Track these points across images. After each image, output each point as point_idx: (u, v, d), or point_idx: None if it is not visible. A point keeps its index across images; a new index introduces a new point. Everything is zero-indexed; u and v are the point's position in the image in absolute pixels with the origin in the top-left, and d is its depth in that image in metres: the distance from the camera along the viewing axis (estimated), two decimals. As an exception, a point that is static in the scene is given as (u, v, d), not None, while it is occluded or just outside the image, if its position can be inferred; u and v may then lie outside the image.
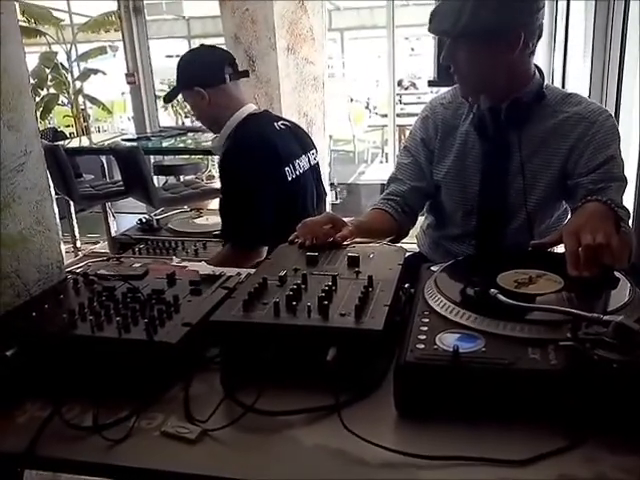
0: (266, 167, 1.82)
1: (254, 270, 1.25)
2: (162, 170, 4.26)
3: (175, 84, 1.93)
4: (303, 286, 1.05)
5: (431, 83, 2.99)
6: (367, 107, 10.42)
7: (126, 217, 4.67)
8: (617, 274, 1.07)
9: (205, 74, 1.86)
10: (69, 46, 7.26)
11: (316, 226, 1.31)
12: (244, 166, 1.79)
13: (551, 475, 0.75)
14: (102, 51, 7.25)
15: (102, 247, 4.08)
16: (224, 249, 1.87)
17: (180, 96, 1.99)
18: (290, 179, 1.90)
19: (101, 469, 0.81)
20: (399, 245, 1.35)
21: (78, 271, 1.19)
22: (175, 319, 1.02)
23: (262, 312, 0.98)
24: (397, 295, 1.07)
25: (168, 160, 4.40)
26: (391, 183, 1.65)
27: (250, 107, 1.94)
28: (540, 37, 1.39)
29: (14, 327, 1.01)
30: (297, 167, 1.93)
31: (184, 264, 1.35)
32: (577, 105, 1.44)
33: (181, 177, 4.46)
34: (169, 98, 2.06)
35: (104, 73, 7.28)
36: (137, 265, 1.33)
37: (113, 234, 3.59)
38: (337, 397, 0.86)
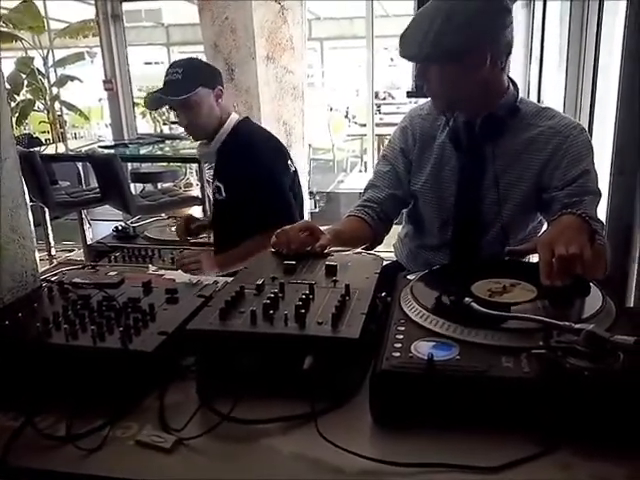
0: (281, 157, 2.02)
1: (231, 279, 1.25)
2: (139, 177, 4.23)
3: (183, 82, 1.91)
4: (280, 295, 1.06)
5: (409, 94, 3.03)
6: (346, 116, 10.47)
7: (102, 225, 4.61)
8: (590, 283, 1.09)
9: (220, 77, 2.03)
10: (46, 51, 7.18)
11: (293, 233, 1.31)
12: (264, 156, 1.96)
13: (524, 481, 0.76)
14: (80, 57, 7.18)
15: (77, 255, 4.03)
16: (256, 238, 1.87)
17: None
18: (293, 170, 2.08)
19: (75, 479, 0.80)
20: (376, 254, 1.36)
21: (53, 279, 1.18)
22: (151, 328, 1.01)
23: (239, 320, 0.98)
24: (374, 304, 1.08)
25: (145, 167, 4.37)
26: (368, 190, 1.66)
27: (233, 114, 2.06)
28: (510, 53, 1.41)
29: (-15, 336, 0.99)
30: (293, 162, 2.10)
31: (161, 272, 1.35)
32: (551, 119, 1.47)
33: (159, 185, 4.43)
34: (182, 92, 1.92)
35: (81, 80, 7.21)
36: (113, 273, 1.32)
37: (89, 242, 3.55)
38: (313, 405, 0.86)
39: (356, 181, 7.44)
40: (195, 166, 5.01)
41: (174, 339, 0.99)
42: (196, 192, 4.36)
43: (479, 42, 1.35)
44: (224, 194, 2.01)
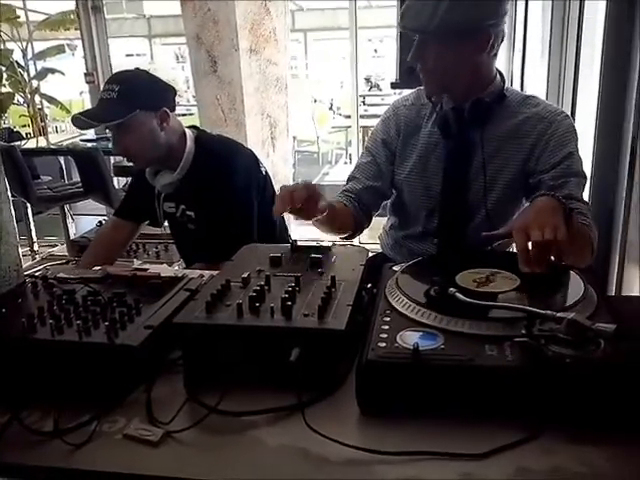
0: (254, 174, 1.86)
1: (217, 272, 1.25)
2: (122, 171, 4.17)
3: (117, 103, 1.66)
4: (266, 287, 1.06)
5: (393, 85, 3.04)
6: (331, 108, 10.47)
7: (85, 219, 4.57)
8: (571, 272, 1.11)
9: (169, 97, 1.79)
10: (25, 44, 7.07)
11: (295, 189, 1.25)
12: (247, 173, 1.82)
13: (509, 467, 0.77)
14: (60, 50, 7.08)
15: (60, 250, 4.00)
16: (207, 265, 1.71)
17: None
18: (264, 174, 1.94)
19: (63, 474, 0.80)
20: (362, 246, 1.36)
21: (37, 274, 1.17)
22: (137, 322, 1.01)
23: (225, 314, 0.98)
24: (360, 295, 1.08)
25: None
26: (349, 181, 1.67)
27: (187, 131, 1.85)
28: (502, 40, 1.43)
29: (-30, 332, 0.99)
30: (262, 164, 1.97)
31: (145, 266, 1.34)
32: (536, 106, 1.50)
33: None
34: (114, 115, 1.66)
35: (62, 73, 7.12)
36: (97, 268, 1.31)
37: (72, 237, 3.51)
38: (300, 396, 0.86)
39: (341, 173, 7.45)
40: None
41: (160, 333, 0.99)
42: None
43: (485, 24, 1.36)
44: (197, 223, 1.87)
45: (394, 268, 1.22)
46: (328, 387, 0.94)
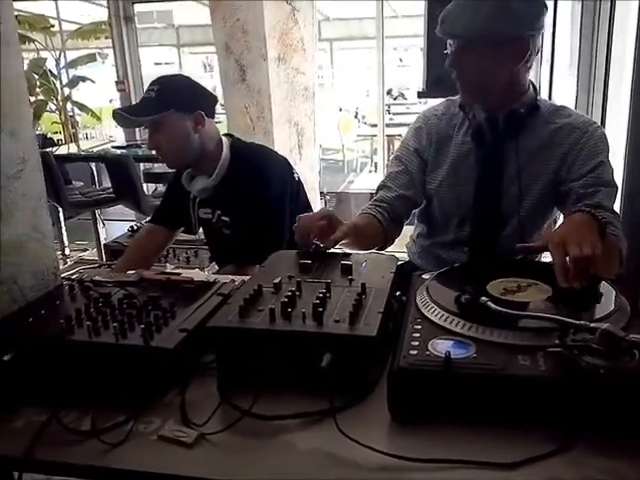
0: (288, 181, 1.88)
1: (248, 277, 1.27)
2: (151, 177, 4.26)
3: (154, 102, 1.72)
4: (297, 293, 1.07)
5: (420, 94, 3.04)
6: (356, 117, 10.49)
7: (115, 224, 4.65)
8: (604, 283, 1.10)
9: (207, 101, 1.83)
10: (58, 53, 7.24)
11: (311, 221, 1.32)
12: (281, 179, 1.85)
13: (539, 478, 0.77)
14: (91, 58, 7.23)
15: (91, 254, 4.07)
16: (237, 267, 1.80)
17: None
18: (297, 180, 1.96)
19: (99, 472, 0.82)
20: (391, 254, 1.37)
21: (73, 277, 1.20)
22: (171, 325, 1.03)
23: (257, 318, 0.99)
24: (390, 303, 1.09)
25: (158, 168, 4.39)
26: (379, 190, 1.68)
27: (223, 139, 1.88)
28: (538, 53, 1.44)
29: (11, 332, 1.02)
30: (296, 171, 2.00)
31: (178, 271, 1.37)
32: (568, 117, 1.51)
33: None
34: (149, 112, 1.72)
35: (93, 81, 7.26)
36: (131, 272, 1.34)
37: (103, 241, 3.57)
38: (332, 402, 0.87)
39: (366, 181, 7.43)
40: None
41: (194, 336, 1.01)
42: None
43: (523, 34, 1.37)
44: (232, 228, 1.89)
45: (423, 276, 1.23)
46: (359, 393, 0.94)
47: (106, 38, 5.76)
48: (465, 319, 0.97)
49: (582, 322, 0.89)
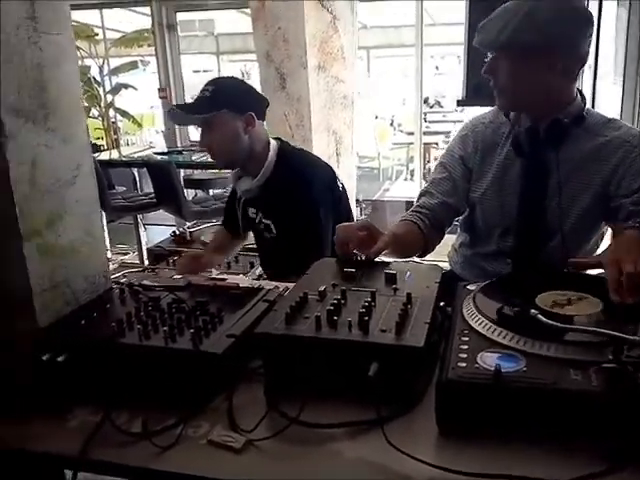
0: (333, 183, 1.91)
1: (293, 284, 1.28)
2: (192, 183, 4.33)
3: (207, 101, 1.76)
4: (342, 301, 1.07)
5: (460, 102, 3.02)
6: (391, 124, 10.47)
7: (153, 228, 4.74)
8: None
9: (258, 103, 1.88)
10: (102, 60, 7.43)
11: (351, 232, 1.33)
12: (324, 187, 1.87)
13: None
14: (133, 66, 7.40)
15: (131, 258, 4.15)
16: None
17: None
18: (341, 188, 1.98)
19: (151, 475, 0.84)
20: (435, 263, 1.36)
21: (123, 281, 1.23)
22: (219, 330, 1.04)
23: (304, 326, 1.00)
24: (435, 313, 1.08)
25: (198, 174, 4.47)
26: (422, 197, 1.67)
27: (272, 141, 1.92)
28: (584, 64, 1.42)
29: (64, 334, 1.04)
30: (340, 180, 2.01)
31: (224, 276, 1.38)
32: (618, 130, 1.47)
33: (210, 191, 4.53)
34: (202, 110, 1.76)
35: (135, 88, 7.43)
36: (178, 277, 1.36)
37: (144, 245, 3.64)
38: (380, 412, 0.87)
39: (402, 189, 7.42)
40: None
41: (241, 342, 1.02)
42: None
43: (554, 45, 1.36)
44: (274, 232, 1.91)
45: (469, 287, 1.22)
46: (406, 404, 0.94)
47: (149, 46, 5.89)
48: (514, 332, 0.96)
49: (637, 337, 0.87)
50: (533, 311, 0.98)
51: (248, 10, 6.33)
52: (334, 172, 1.99)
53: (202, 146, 1.88)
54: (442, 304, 1.16)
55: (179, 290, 1.19)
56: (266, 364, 1.00)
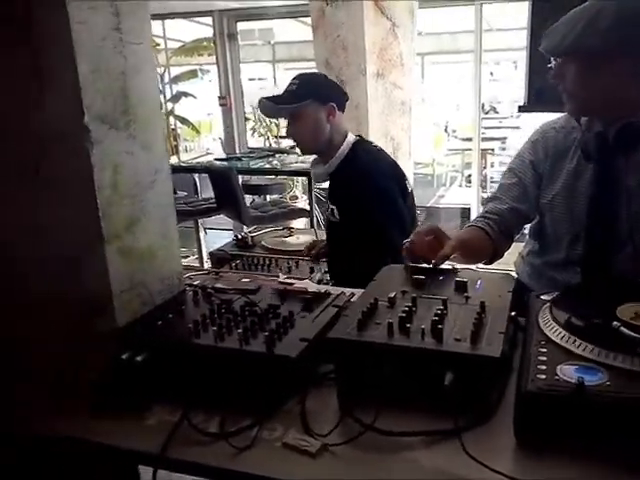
0: (397, 180, 1.99)
1: (358, 290, 1.28)
2: (250, 189, 4.40)
3: (294, 93, 1.94)
4: (414, 309, 1.07)
5: (521, 108, 2.95)
6: (446, 130, 10.37)
7: (213, 233, 4.84)
8: None
9: (339, 96, 2.03)
10: (163, 69, 7.65)
11: (418, 238, 1.33)
12: (388, 183, 1.95)
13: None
14: (193, 74, 7.59)
15: (191, 261, 4.24)
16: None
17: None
18: (409, 191, 2.06)
19: (228, 475, 0.85)
20: (506, 272, 1.33)
21: (195, 283, 1.25)
22: (291, 334, 1.05)
23: (376, 332, 1.00)
24: (509, 323, 1.06)
25: (255, 179, 4.54)
26: (490, 202, 1.64)
27: (350, 134, 2.04)
28: None
29: (142, 334, 1.08)
30: (409, 183, 2.09)
31: (290, 281, 1.39)
32: None
33: (267, 197, 4.59)
34: (290, 101, 1.93)
35: (194, 96, 7.61)
36: (246, 280, 1.38)
37: (204, 248, 3.71)
38: (457, 422, 0.86)
39: (457, 196, 7.33)
40: (302, 179, 5.15)
41: (313, 346, 1.02)
42: (302, 204, 4.47)
43: (620, 48, 1.32)
44: (337, 217, 2.01)
45: (542, 297, 1.19)
46: (482, 414, 0.92)
47: (209, 55, 6.03)
48: (595, 344, 0.93)
49: None
50: (615, 323, 0.95)
51: (305, 19, 6.42)
52: (404, 173, 2.07)
53: (288, 135, 2.06)
54: (513, 314, 1.13)
55: (250, 293, 1.20)
56: (338, 369, 1.00)
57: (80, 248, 1.05)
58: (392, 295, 1.12)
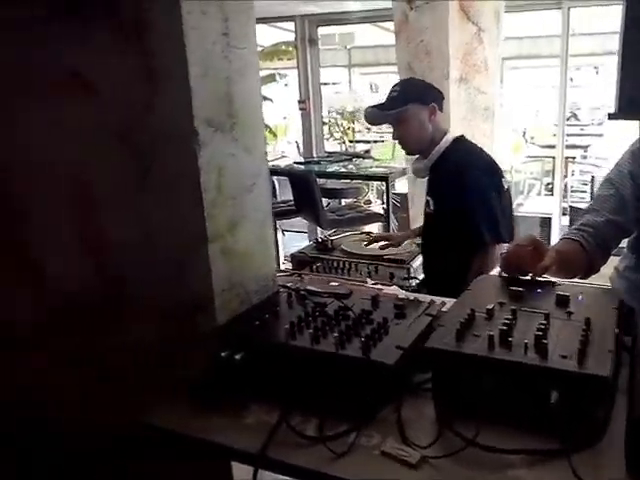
0: (493, 176, 2.06)
1: (450, 300, 1.26)
2: (326, 193, 4.42)
3: (397, 99, 2.05)
4: (514, 322, 1.03)
5: (611, 116, 2.81)
6: (524, 136, 10.08)
7: (289, 235, 4.90)
8: None
9: (438, 96, 2.13)
10: (242, 73, 7.81)
11: (518, 248, 1.30)
12: (482, 177, 2.02)
13: None
14: (272, 79, 7.69)
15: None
16: (484, 250, 2.00)
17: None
18: (506, 188, 2.11)
19: (325, 479, 0.85)
20: (609, 287, 1.28)
21: (288, 285, 1.26)
22: (385, 341, 1.04)
23: (475, 344, 0.97)
24: (617, 341, 1.01)
25: (331, 183, 4.56)
26: (586, 214, 1.57)
27: (450, 132, 2.14)
28: None
29: (241, 333, 1.10)
30: (506, 180, 2.15)
31: (379, 286, 1.39)
32: None
33: (342, 200, 4.60)
34: (394, 107, 2.05)
35: (271, 100, 7.72)
36: (335, 284, 1.39)
37: (281, 250, 3.76)
38: (565, 442, 0.83)
39: (536, 204, 7.08)
40: (377, 184, 5.13)
41: (409, 354, 1.01)
42: (376, 209, 4.45)
43: None
44: (432, 207, 2.10)
45: (652, 316, 1.13)
46: (591, 436, 0.88)
47: (288, 59, 6.11)
48: None
49: None
50: None
51: (383, 24, 6.39)
52: (501, 172, 2.12)
53: (394, 139, 2.17)
54: (616, 331, 1.08)
55: (343, 297, 1.20)
56: (436, 380, 0.98)
57: (186, 247, 1.09)
58: (490, 307, 1.09)
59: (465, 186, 1.99)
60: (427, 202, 2.14)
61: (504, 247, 1.96)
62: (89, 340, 1.21)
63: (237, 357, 1.03)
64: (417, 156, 2.20)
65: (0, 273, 1.29)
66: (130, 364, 1.15)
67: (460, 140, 2.14)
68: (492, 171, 2.08)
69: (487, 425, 0.88)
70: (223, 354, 1.03)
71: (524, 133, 10.08)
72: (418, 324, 1.12)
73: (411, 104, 2.04)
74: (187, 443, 0.98)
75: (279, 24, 6.85)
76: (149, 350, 1.13)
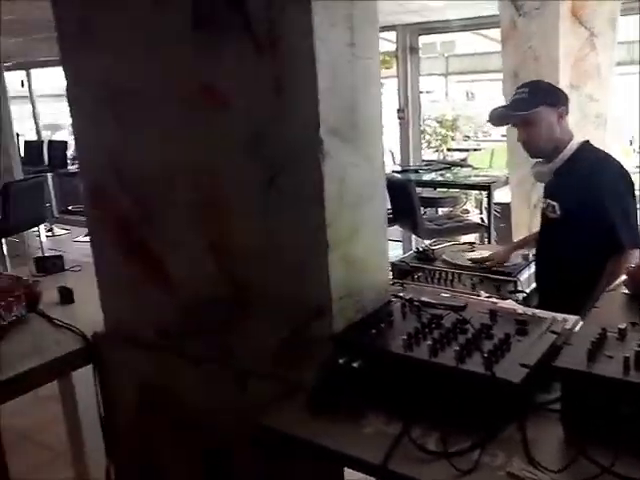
0: (625, 183, 2.01)
1: (571, 317, 1.20)
2: (422, 201, 4.36)
3: (526, 100, 2.00)
4: (647, 344, 0.97)
5: None
6: (631, 144, 9.52)
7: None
8: None
9: (565, 100, 2.07)
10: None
11: None
12: (619, 181, 1.98)
13: None
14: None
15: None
16: (620, 254, 1.92)
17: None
18: (638, 197, 2.08)
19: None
20: None
21: (401, 294, 1.25)
22: (507, 357, 1.01)
23: (608, 365, 0.92)
24: None
25: (427, 192, 4.50)
26: None
27: (576, 137, 2.07)
28: None
29: (358, 341, 1.10)
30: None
31: (493, 299, 1.35)
32: None
33: (439, 210, 4.52)
34: (524, 108, 2.00)
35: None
36: (446, 295, 1.36)
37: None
38: None
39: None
40: (474, 193, 5.00)
41: (534, 373, 0.97)
42: (475, 218, 4.35)
43: None
44: (558, 212, 2.03)
45: None
46: None
47: (387, 68, 6.09)
48: None
49: None
50: None
51: (486, 31, 6.23)
52: (631, 179, 2.05)
53: (519, 141, 2.10)
54: None
55: (459, 310, 1.18)
56: (566, 401, 0.94)
57: (307, 254, 1.10)
58: (622, 326, 1.03)
59: (603, 189, 1.93)
60: (548, 207, 2.07)
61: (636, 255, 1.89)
62: (214, 341, 1.26)
63: (354, 365, 1.03)
64: (538, 160, 2.14)
65: (145, 278, 1.37)
66: (251, 366, 1.19)
67: (587, 145, 2.09)
68: (627, 176, 2.03)
69: (623, 452, 0.83)
70: (341, 361, 1.04)
71: (631, 141, 9.51)
72: (542, 342, 1.07)
73: (541, 107, 1.98)
74: (308, 448, 0.98)
75: (380, 34, 6.88)
76: (269, 354, 1.16)
